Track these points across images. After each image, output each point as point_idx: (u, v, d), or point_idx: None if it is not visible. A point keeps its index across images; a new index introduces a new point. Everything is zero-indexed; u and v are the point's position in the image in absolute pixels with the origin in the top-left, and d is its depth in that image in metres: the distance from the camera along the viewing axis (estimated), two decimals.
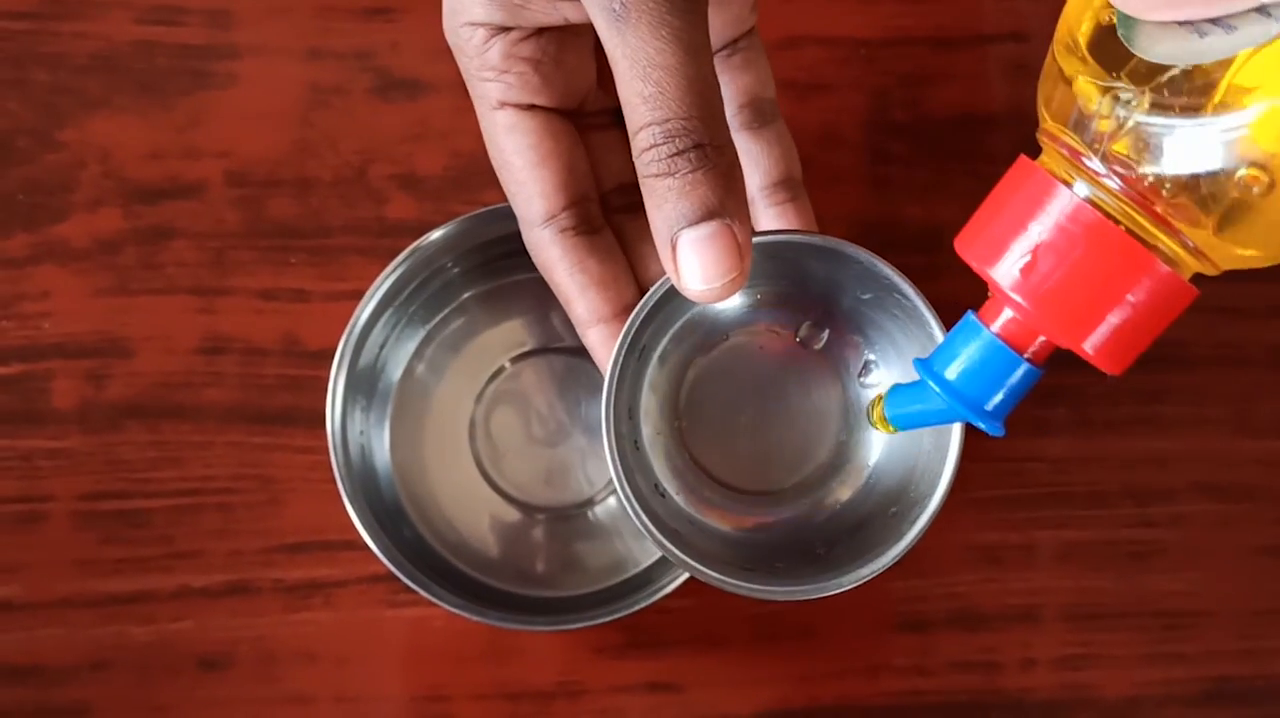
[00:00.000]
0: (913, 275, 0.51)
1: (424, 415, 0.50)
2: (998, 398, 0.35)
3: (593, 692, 0.50)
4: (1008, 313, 0.35)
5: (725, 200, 0.33)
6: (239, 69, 0.52)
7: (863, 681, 0.50)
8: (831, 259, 0.38)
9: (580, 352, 0.49)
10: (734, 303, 0.41)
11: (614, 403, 0.38)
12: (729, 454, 0.41)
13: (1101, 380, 0.52)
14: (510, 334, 0.51)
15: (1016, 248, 0.33)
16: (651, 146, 0.33)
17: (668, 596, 0.45)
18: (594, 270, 0.38)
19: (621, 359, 0.38)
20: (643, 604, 0.46)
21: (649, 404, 0.41)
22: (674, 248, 0.33)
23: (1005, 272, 0.33)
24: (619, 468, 0.38)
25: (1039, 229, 0.33)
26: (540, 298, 0.50)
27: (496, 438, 0.50)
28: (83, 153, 0.51)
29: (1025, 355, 0.35)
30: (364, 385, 0.49)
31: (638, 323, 0.38)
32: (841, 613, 0.50)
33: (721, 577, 0.38)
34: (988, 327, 0.35)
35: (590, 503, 0.50)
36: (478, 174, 0.52)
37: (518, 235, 0.48)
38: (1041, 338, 0.35)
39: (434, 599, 0.45)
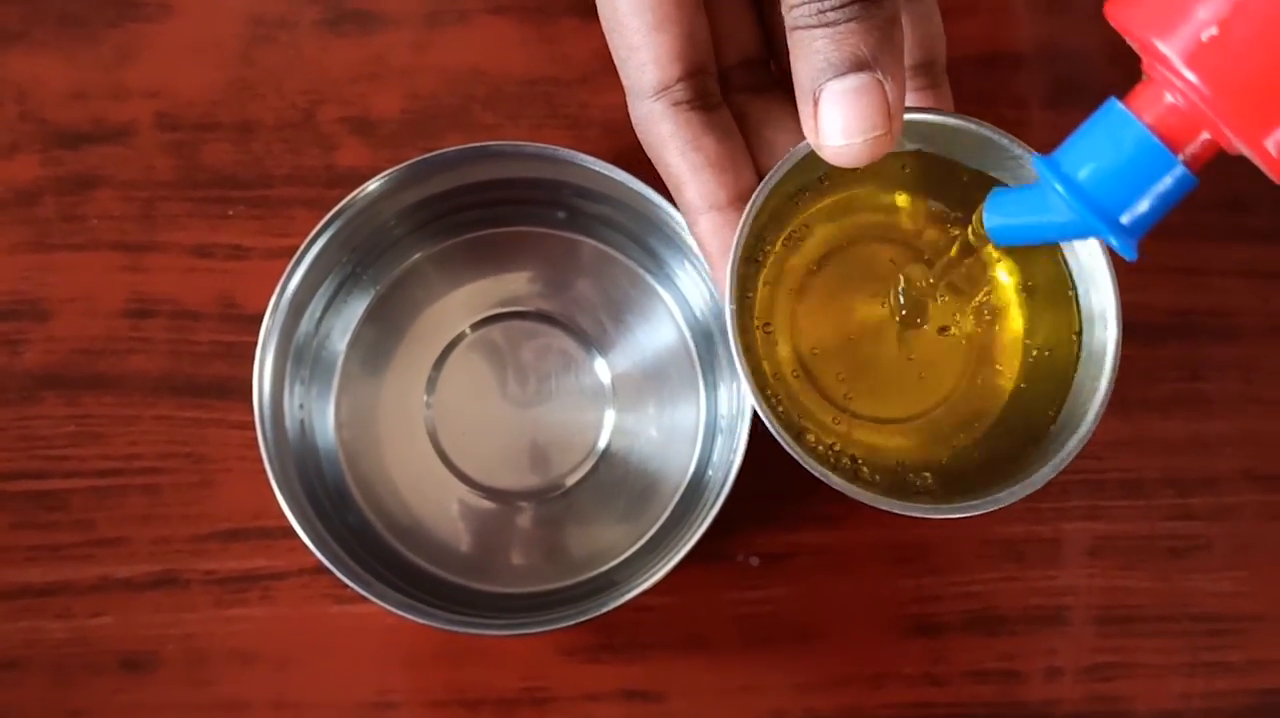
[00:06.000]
0: None
1: (374, 389, 0.47)
2: (1139, 207, 0.30)
3: (561, 699, 0.47)
4: (1169, 99, 0.29)
5: (879, 54, 0.32)
6: None
7: (867, 690, 0.47)
8: (983, 152, 0.35)
9: (548, 316, 0.47)
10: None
11: (737, 293, 0.35)
12: (859, 374, 0.37)
13: (1138, 353, 0.49)
14: (470, 297, 0.47)
15: (1204, 9, 0.27)
16: (804, 2, 0.32)
17: (646, 592, 0.41)
18: (710, 149, 0.36)
19: (743, 243, 0.34)
20: (615, 603, 0.41)
21: (774, 310, 0.37)
22: (816, 102, 0.32)
23: (1182, 40, 0.28)
24: (744, 363, 0.34)
25: None
26: (502, 256, 0.47)
27: (456, 413, 0.47)
28: None
29: (1180, 157, 0.29)
30: (303, 356, 0.45)
31: (762, 197, 0.35)
32: (843, 614, 0.48)
33: (853, 487, 0.35)
34: (1138, 116, 0.30)
35: (564, 486, 0.46)
36: (440, 117, 0.49)
37: (472, 188, 0.45)
38: (1205, 135, 0.29)
39: (373, 598, 0.41)
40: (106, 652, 0.46)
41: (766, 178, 0.35)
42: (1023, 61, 0.50)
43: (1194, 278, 0.49)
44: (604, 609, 0.41)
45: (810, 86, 0.32)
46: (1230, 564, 0.48)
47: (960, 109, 0.49)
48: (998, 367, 0.38)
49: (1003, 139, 0.35)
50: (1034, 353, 0.38)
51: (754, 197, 0.35)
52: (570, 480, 0.46)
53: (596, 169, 0.42)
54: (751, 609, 0.47)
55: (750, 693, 0.47)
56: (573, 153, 0.42)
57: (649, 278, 0.46)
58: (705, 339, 0.46)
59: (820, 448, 0.37)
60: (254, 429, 0.43)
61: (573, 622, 0.41)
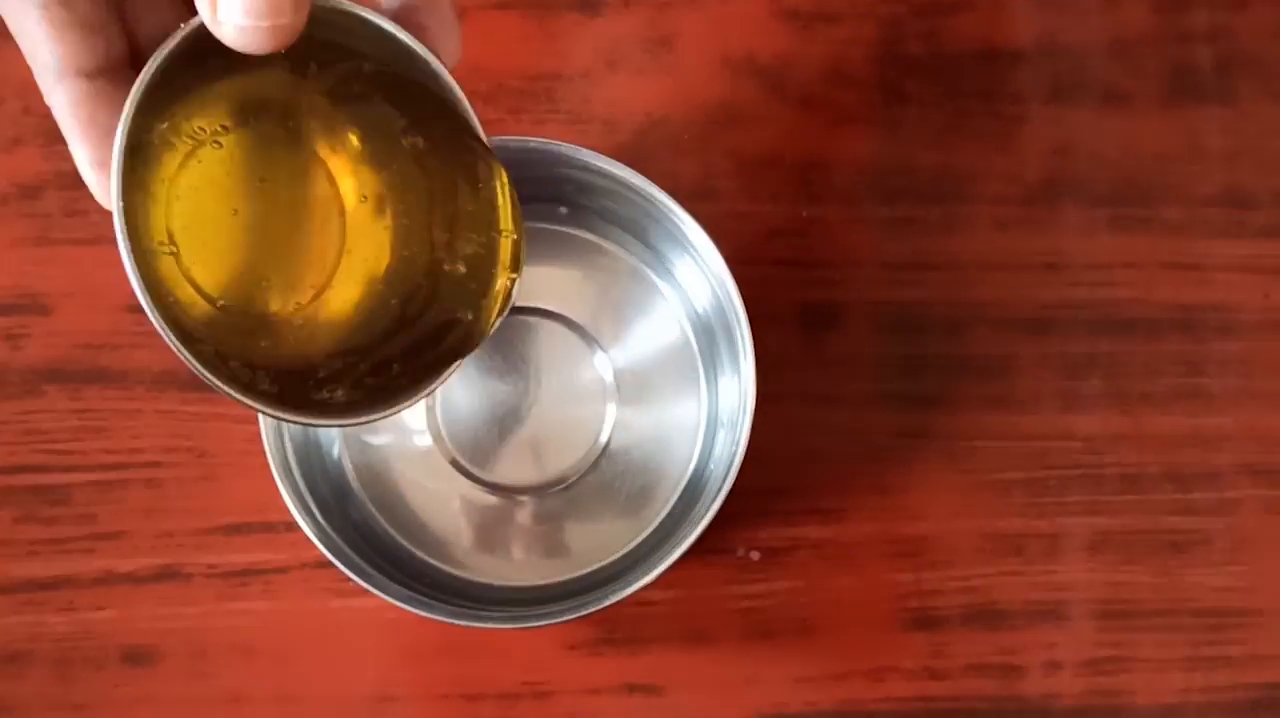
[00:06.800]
0: (929, 228, 0.46)
1: None
2: None
3: (562, 693, 0.47)
4: None
5: None
6: None
7: (866, 684, 0.47)
8: (403, 60, 0.33)
9: (550, 311, 0.47)
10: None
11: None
12: (257, 274, 0.35)
13: (1138, 348, 0.49)
14: None
15: None
16: None
17: (647, 586, 0.41)
18: (80, 7, 0.31)
19: (128, 130, 0.31)
20: (617, 598, 0.41)
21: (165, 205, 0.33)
22: None
23: None
24: (136, 274, 0.32)
25: None
26: None
27: (458, 408, 0.46)
28: None
29: None
30: None
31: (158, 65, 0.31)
32: (844, 608, 0.48)
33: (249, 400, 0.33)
34: None
35: (565, 481, 0.46)
36: None
37: None
38: None
39: (375, 590, 0.41)
40: (109, 645, 0.47)
41: (157, 54, 0.31)
42: (1022, 57, 0.49)
43: (1194, 273, 0.49)
44: (605, 603, 0.41)
45: None
46: (1231, 559, 0.48)
47: (960, 105, 0.50)
48: (382, 261, 0.36)
49: (424, 53, 0.33)
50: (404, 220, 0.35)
51: (143, 75, 0.31)
52: (572, 475, 0.46)
53: (598, 164, 0.42)
54: (752, 603, 0.47)
55: (751, 687, 0.47)
56: (574, 148, 0.42)
57: (650, 273, 0.46)
58: (706, 334, 0.46)
59: (225, 363, 0.34)
60: (256, 423, 0.43)
61: (574, 616, 0.41)
